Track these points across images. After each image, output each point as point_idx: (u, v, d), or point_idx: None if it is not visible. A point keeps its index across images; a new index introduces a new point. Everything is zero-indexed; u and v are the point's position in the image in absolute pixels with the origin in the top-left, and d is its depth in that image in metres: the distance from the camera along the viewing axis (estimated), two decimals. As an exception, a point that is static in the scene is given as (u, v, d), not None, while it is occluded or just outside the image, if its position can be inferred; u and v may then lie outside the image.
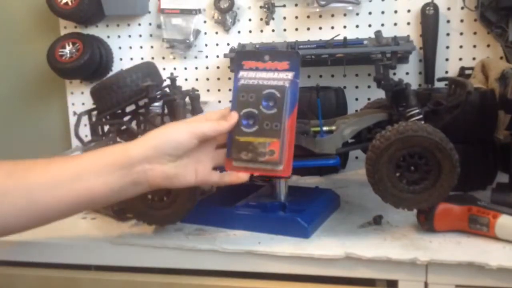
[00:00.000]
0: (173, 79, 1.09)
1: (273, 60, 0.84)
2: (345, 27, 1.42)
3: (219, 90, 1.52)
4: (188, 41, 1.48)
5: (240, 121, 0.84)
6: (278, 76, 0.83)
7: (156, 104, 1.10)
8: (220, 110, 0.88)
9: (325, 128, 0.99)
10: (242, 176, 0.86)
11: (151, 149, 0.81)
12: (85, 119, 1.10)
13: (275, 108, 0.82)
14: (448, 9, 1.36)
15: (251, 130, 0.83)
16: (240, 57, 0.87)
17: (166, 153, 0.81)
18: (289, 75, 0.83)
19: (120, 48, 1.57)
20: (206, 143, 0.85)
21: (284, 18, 1.45)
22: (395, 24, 1.39)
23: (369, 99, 1.39)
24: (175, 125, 0.85)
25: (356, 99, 1.43)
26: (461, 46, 1.36)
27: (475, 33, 1.35)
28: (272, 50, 0.83)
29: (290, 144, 0.83)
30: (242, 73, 0.86)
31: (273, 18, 1.43)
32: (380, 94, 1.09)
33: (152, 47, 1.55)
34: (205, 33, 1.50)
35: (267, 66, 0.84)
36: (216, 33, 1.50)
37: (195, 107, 1.11)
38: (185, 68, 1.54)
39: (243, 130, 0.84)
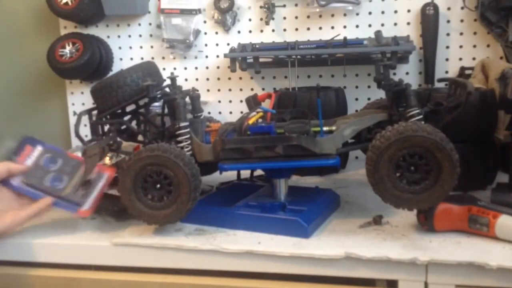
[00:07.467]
0: (173, 78, 1.09)
1: (18, 155, 1.03)
2: (345, 27, 1.42)
3: (219, 90, 1.52)
4: (188, 41, 1.48)
5: (53, 185, 1.02)
6: (35, 155, 1.04)
7: (156, 103, 1.10)
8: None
9: (325, 128, 0.99)
10: (44, 201, 0.99)
11: None
12: (85, 119, 1.10)
13: (59, 159, 1.05)
14: (448, 9, 1.36)
15: (66, 182, 1.02)
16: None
17: None
18: (39, 148, 1.05)
19: (120, 48, 1.57)
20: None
21: (284, 18, 1.45)
22: (395, 24, 1.39)
23: (369, 99, 1.39)
24: None
25: (356, 99, 1.43)
26: (461, 46, 1.36)
27: (475, 33, 1.35)
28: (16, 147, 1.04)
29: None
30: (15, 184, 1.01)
31: (273, 18, 1.43)
32: (380, 94, 1.09)
33: (152, 47, 1.55)
34: (205, 33, 1.50)
35: (21, 159, 1.03)
36: (216, 33, 1.50)
37: (195, 107, 1.11)
38: (185, 68, 1.54)
39: (60, 188, 1.01)
